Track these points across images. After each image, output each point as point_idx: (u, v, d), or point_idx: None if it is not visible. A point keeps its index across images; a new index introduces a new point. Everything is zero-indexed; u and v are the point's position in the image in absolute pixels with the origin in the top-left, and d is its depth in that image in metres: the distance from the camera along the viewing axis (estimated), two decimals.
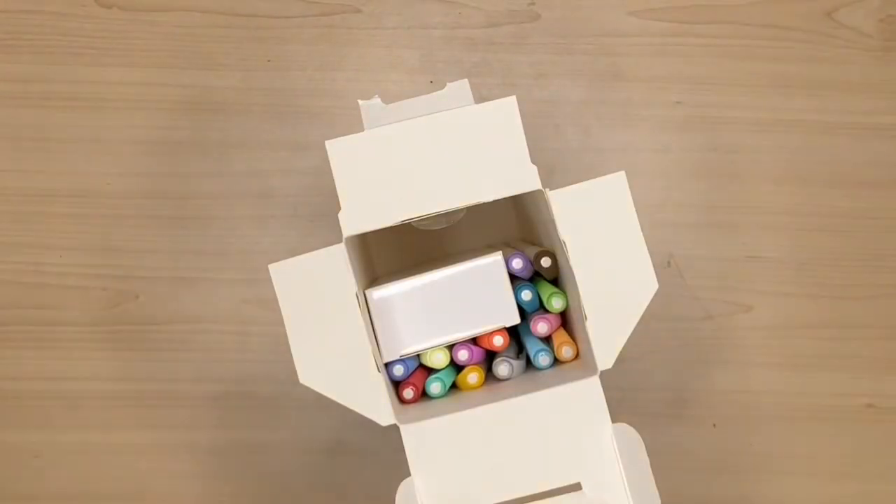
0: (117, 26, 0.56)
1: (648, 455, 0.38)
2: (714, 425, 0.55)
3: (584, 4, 0.56)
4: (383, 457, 0.52)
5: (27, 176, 0.55)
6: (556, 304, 0.43)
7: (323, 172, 0.55)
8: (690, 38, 0.56)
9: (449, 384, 0.44)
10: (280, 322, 0.42)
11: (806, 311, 0.55)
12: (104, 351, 0.55)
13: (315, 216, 0.55)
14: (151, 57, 0.56)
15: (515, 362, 0.44)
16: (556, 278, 0.45)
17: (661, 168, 0.56)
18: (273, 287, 0.55)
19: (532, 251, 0.44)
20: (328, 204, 0.55)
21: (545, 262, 0.43)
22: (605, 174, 0.40)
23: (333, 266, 0.41)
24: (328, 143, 0.41)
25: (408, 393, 0.44)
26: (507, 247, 0.50)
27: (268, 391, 0.54)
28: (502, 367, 0.44)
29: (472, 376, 0.44)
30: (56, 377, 0.54)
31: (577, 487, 0.40)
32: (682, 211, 0.56)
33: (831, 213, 0.56)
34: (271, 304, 0.55)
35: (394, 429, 0.40)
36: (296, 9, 0.56)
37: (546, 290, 0.44)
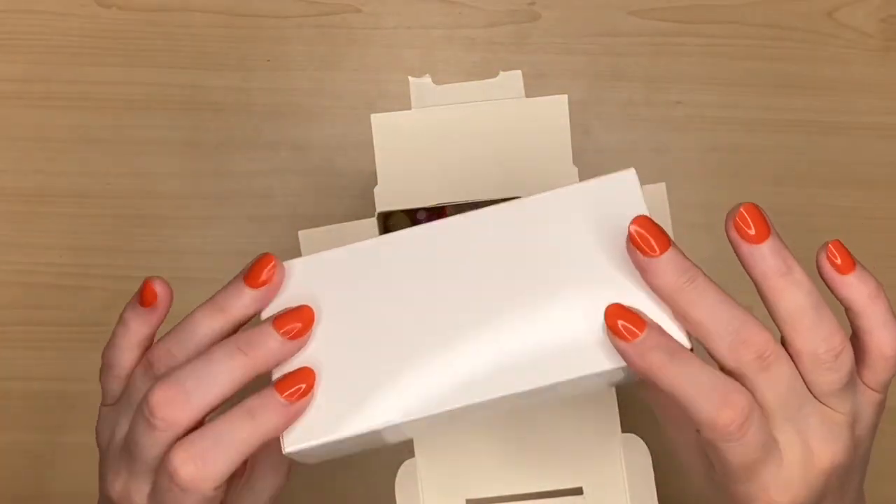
0: (117, 26, 0.56)
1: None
2: None
3: (584, 4, 0.56)
4: (382, 451, 0.52)
5: (26, 176, 0.55)
6: None
7: (323, 172, 0.55)
8: (690, 38, 0.56)
9: None
10: None
11: None
12: None
13: (315, 216, 0.55)
14: (151, 57, 0.56)
15: None
16: None
17: (661, 168, 0.56)
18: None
19: None
20: (328, 204, 0.55)
21: None
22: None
23: (361, 238, 0.41)
24: (374, 117, 0.40)
25: None
26: None
27: None
28: None
29: None
30: (56, 377, 0.54)
31: (578, 491, 0.40)
32: (682, 211, 0.56)
33: (831, 213, 0.56)
34: None
35: None
36: (296, 9, 0.56)
37: None
